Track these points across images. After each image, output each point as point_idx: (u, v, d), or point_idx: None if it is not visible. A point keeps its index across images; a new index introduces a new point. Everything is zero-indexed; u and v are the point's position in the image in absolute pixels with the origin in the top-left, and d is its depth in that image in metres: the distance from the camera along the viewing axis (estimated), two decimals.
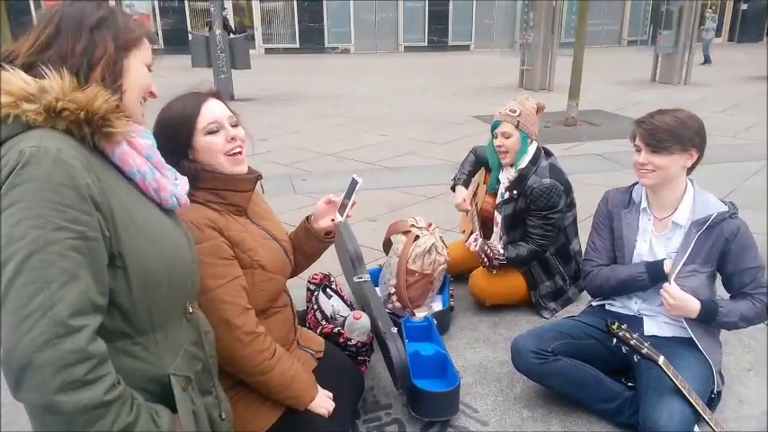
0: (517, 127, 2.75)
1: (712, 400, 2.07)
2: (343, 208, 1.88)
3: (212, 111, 1.62)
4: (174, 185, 1.23)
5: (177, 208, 1.24)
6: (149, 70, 1.20)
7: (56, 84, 1.01)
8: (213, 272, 1.57)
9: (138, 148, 1.14)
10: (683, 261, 2.02)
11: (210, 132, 1.61)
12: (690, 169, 2.09)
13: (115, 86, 1.10)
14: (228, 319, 1.56)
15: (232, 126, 1.65)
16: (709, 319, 2.00)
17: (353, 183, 1.87)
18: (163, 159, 1.23)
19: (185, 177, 1.31)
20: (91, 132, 1.04)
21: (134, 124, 1.16)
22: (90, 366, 0.94)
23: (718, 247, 2.03)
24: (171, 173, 1.27)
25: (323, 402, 1.76)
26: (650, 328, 2.14)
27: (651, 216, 2.15)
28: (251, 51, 12.92)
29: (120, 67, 1.12)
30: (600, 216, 2.32)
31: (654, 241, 2.13)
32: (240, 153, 1.66)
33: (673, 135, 1.99)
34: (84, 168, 0.99)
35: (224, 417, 1.36)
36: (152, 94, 1.22)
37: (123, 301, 1.06)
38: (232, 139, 1.64)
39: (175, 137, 1.59)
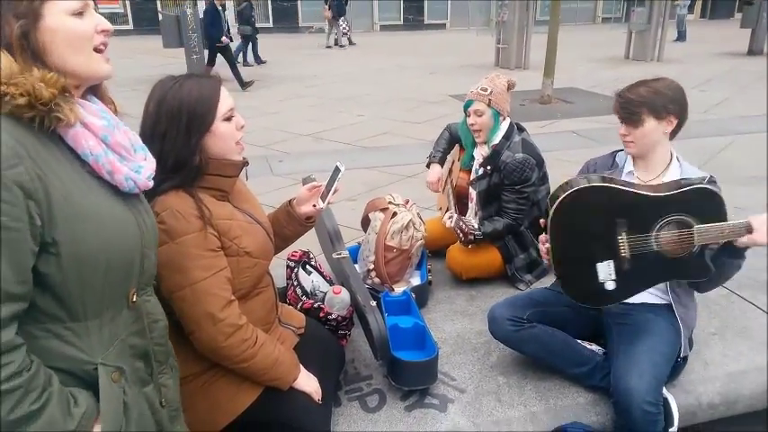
0: (489, 105, 2.79)
1: (679, 364, 2.16)
2: (325, 194, 1.95)
3: (227, 97, 1.64)
4: (138, 168, 1.19)
5: (135, 191, 1.19)
6: (82, 14, 1.07)
7: (4, 65, 0.97)
8: (200, 263, 1.57)
9: (94, 129, 1.10)
10: None
11: (227, 119, 1.62)
12: (672, 133, 2.11)
13: (43, 60, 1.02)
14: (213, 312, 1.57)
15: None
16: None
17: (336, 170, 1.94)
18: (125, 140, 1.18)
19: (153, 160, 1.27)
20: (39, 117, 1.00)
21: (88, 104, 1.12)
22: None
23: None
24: (141, 152, 1.23)
25: (306, 382, 1.79)
26: None
27: (636, 179, 2.17)
28: None
29: (35, 38, 1.02)
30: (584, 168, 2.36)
31: None
32: (242, 141, 1.70)
33: (645, 105, 2.04)
34: (15, 155, 0.96)
35: (164, 403, 1.32)
36: (105, 33, 1.11)
37: (56, 287, 1.05)
38: (242, 127, 1.67)
39: (196, 120, 1.57)
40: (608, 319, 2.20)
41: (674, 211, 1.93)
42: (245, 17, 14.04)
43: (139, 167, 1.20)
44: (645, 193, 1.95)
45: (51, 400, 1.01)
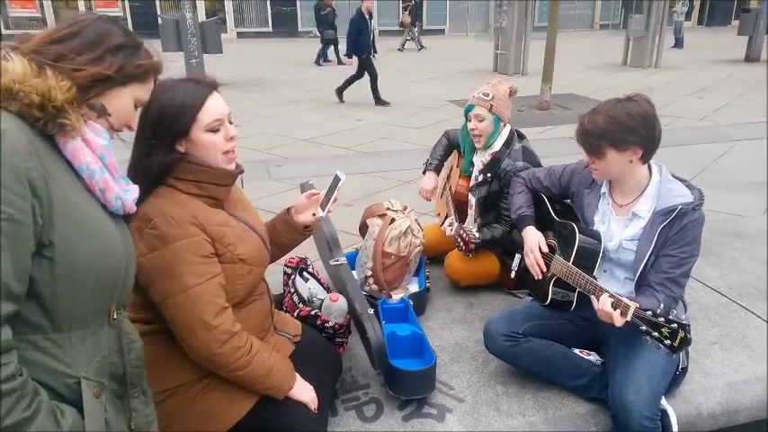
0: (490, 110, 2.76)
1: (678, 376, 2.14)
2: (324, 203, 1.93)
3: (216, 107, 1.59)
4: (124, 191, 1.21)
5: (120, 212, 1.21)
6: (137, 107, 1.23)
7: (18, 66, 1.02)
8: (193, 270, 1.55)
9: (93, 146, 1.12)
10: (649, 252, 1.99)
11: (212, 130, 1.58)
12: (643, 158, 1.98)
13: (94, 103, 1.13)
14: (206, 319, 1.55)
15: (229, 122, 1.63)
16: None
17: (336, 179, 1.92)
18: (116, 164, 1.20)
19: (136, 186, 1.28)
20: (45, 120, 1.03)
21: (93, 124, 1.14)
22: None
23: (675, 232, 1.98)
24: (123, 180, 1.24)
25: (302, 391, 1.77)
26: None
27: (610, 200, 2.14)
28: (222, 35, 12.72)
29: (106, 90, 1.14)
30: (566, 170, 2.34)
31: (612, 224, 2.12)
32: (234, 151, 1.65)
33: (604, 138, 1.91)
34: (28, 152, 0.98)
35: (134, 428, 1.28)
36: (128, 127, 1.25)
37: (44, 293, 1.03)
38: (231, 138, 1.62)
39: (171, 125, 1.54)
40: (605, 330, 2.18)
41: (557, 235, 2.21)
42: (329, 21, 14.84)
43: (126, 191, 1.22)
44: (552, 213, 2.32)
45: (41, 408, 1.00)
